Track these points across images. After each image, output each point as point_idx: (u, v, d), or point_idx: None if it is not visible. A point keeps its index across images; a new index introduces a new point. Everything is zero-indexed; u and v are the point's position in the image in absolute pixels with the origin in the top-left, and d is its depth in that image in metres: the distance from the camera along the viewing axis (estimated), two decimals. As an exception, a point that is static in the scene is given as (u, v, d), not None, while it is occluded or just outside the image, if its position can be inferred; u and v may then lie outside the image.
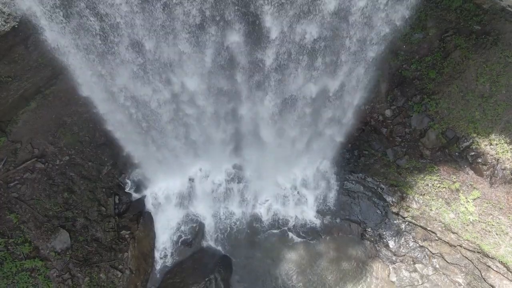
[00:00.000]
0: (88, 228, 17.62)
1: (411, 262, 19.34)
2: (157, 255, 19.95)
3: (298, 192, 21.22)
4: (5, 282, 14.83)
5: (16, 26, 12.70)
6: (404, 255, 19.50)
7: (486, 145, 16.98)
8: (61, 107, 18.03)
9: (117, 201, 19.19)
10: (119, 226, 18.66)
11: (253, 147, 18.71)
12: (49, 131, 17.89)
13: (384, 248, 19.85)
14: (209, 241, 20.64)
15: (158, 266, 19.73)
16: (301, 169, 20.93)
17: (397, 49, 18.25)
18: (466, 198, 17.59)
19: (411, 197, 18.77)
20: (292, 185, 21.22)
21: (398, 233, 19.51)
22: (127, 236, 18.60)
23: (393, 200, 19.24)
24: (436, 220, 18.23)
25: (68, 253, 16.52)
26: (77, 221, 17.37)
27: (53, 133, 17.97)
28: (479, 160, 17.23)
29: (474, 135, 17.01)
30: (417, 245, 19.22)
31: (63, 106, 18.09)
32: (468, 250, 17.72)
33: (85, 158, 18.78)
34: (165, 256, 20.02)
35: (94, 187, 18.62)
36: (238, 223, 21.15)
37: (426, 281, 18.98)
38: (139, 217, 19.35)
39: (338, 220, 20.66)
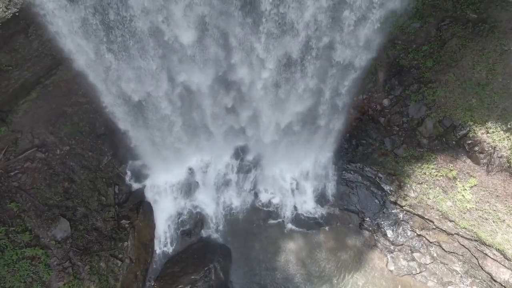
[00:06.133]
0: (88, 217, 17.70)
1: (409, 251, 19.43)
2: (157, 244, 20.02)
3: (297, 183, 21.31)
4: (6, 270, 14.88)
5: (17, 13, 12.86)
6: (402, 244, 19.60)
7: (482, 133, 17.05)
8: (61, 97, 18.10)
9: (117, 191, 19.28)
10: (119, 215, 18.74)
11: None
12: (50, 121, 17.95)
13: (382, 238, 19.95)
14: (209, 231, 20.72)
15: (158, 256, 19.80)
16: (300, 160, 21.02)
17: (394, 38, 18.39)
18: (463, 186, 17.67)
19: (408, 186, 18.87)
20: (291, 176, 21.33)
21: (396, 222, 19.61)
22: (127, 225, 18.70)
23: (391, 189, 19.34)
24: (433, 208, 18.33)
25: (68, 241, 16.56)
26: (77, 210, 17.43)
27: (53, 123, 18.03)
28: (476, 149, 17.31)
29: (471, 123, 17.08)
30: (415, 234, 19.31)
31: (63, 97, 18.18)
32: (466, 238, 17.80)
33: (85, 148, 18.88)
34: (165, 245, 20.08)
35: (94, 177, 18.71)
36: (237, 213, 21.23)
37: (424, 269, 19.08)
38: (139, 207, 19.43)
39: (336, 210, 20.75)
